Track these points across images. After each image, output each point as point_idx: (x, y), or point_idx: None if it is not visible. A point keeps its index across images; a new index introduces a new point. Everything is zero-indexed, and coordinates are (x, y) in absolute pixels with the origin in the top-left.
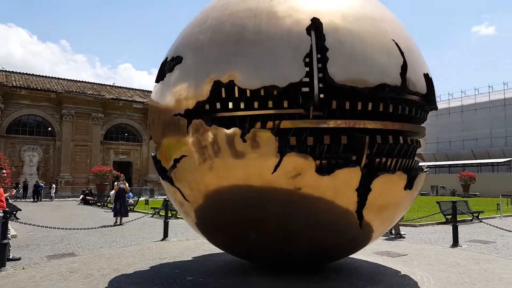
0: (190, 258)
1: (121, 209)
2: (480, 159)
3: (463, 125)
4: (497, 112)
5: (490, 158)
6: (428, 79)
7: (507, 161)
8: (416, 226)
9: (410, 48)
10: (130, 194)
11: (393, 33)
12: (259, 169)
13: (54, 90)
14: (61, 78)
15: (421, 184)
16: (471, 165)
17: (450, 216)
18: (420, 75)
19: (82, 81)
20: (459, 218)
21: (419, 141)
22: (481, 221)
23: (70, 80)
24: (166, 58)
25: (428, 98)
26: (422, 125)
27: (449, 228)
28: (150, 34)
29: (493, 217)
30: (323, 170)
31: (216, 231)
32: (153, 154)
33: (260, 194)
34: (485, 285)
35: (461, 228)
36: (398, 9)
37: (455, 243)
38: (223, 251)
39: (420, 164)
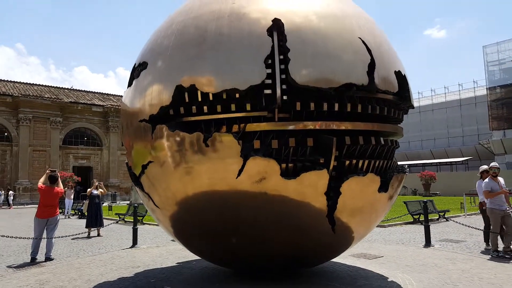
0: (164, 266)
1: (96, 219)
2: (438, 158)
3: (421, 125)
4: (453, 112)
5: (448, 158)
6: (400, 76)
7: (464, 160)
8: (385, 227)
9: (380, 46)
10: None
11: (361, 30)
12: (224, 173)
13: (10, 94)
14: (17, 82)
15: (398, 186)
16: (430, 164)
17: (418, 216)
18: (390, 73)
19: (39, 85)
20: None
21: (396, 141)
22: (447, 220)
23: (27, 83)
24: (135, 64)
25: (402, 96)
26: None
27: (417, 227)
28: (105, 36)
29: (458, 216)
30: (289, 173)
31: (189, 238)
32: (126, 161)
33: (226, 199)
34: (466, 285)
35: (430, 227)
36: None
37: (428, 243)
38: (197, 258)
39: (400, 163)
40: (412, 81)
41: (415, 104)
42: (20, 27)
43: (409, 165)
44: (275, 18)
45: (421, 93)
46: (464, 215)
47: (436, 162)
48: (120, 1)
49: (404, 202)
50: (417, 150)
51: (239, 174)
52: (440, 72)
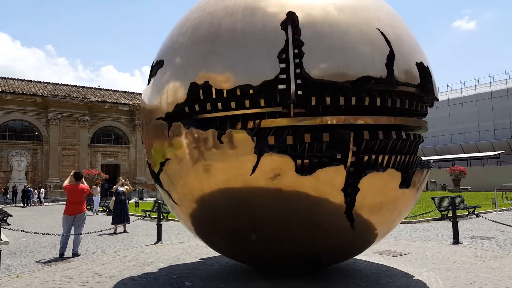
0: (186, 262)
1: (122, 216)
2: (469, 153)
3: (451, 119)
4: (484, 105)
5: (479, 152)
6: (422, 68)
7: (496, 154)
8: (412, 223)
9: (400, 37)
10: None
11: (379, 22)
12: (238, 170)
13: (40, 94)
14: (46, 82)
15: (422, 181)
16: (460, 159)
17: (446, 212)
18: (411, 65)
19: (67, 85)
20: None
21: (420, 135)
22: (477, 216)
23: (55, 83)
24: (153, 62)
25: (425, 89)
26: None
27: (445, 224)
28: (131, 35)
29: (489, 212)
30: (304, 170)
31: (208, 235)
32: (147, 159)
33: (242, 197)
34: (496, 284)
35: (458, 223)
36: None
37: (456, 240)
38: (219, 254)
39: (425, 159)
40: (441, 74)
41: (444, 97)
42: (50, 29)
43: (438, 160)
44: (289, 12)
45: (450, 86)
46: (495, 211)
47: (466, 157)
48: (146, 0)
49: (432, 198)
50: (447, 144)
51: (253, 171)
52: (470, 65)
